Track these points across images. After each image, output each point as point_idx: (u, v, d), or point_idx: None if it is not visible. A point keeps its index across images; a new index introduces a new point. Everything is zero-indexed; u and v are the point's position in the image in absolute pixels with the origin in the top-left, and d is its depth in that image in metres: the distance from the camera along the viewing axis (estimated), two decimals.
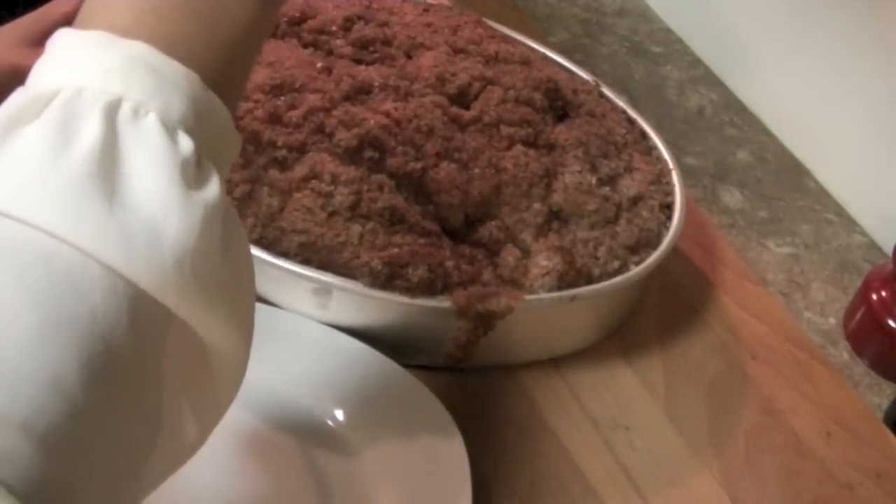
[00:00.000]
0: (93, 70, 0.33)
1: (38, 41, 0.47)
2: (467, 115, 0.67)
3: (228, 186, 0.57)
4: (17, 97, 0.33)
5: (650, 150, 0.76)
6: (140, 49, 0.33)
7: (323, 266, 0.59)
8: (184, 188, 0.32)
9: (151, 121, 0.33)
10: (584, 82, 0.79)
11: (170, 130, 0.33)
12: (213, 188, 0.34)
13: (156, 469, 0.34)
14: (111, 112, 0.32)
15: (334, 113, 0.62)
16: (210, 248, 0.33)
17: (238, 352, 0.36)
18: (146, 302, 0.31)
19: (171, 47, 0.34)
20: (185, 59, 0.34)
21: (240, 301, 0.35)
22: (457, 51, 0.71)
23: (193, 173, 0.33)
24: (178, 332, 0.33)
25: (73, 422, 0.28)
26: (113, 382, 0.30)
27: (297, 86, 0.63)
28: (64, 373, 0.28)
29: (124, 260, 0.30)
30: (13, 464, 0.26)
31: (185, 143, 0.33)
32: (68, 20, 0.42)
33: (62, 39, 0.34)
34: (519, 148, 0.67)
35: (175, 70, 0.34)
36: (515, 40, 0.80)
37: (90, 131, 0.31)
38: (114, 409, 0.30)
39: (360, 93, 0.65)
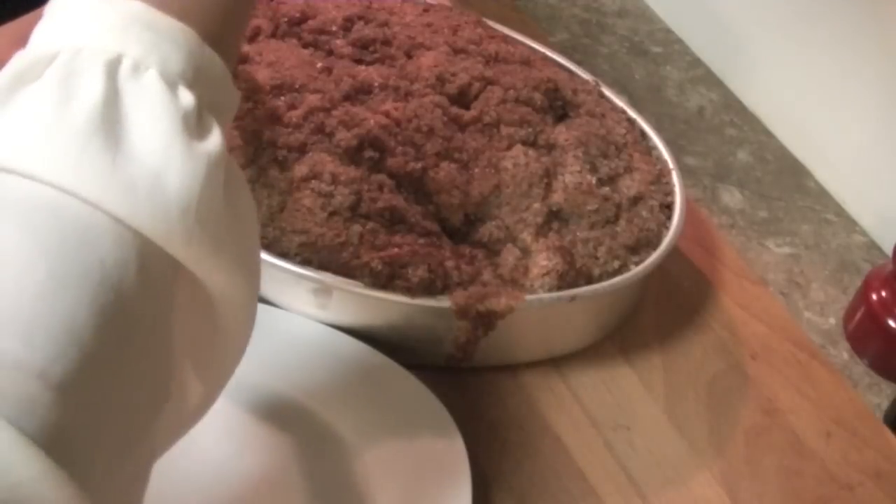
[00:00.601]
0: (91, 30, 0.33)
1: None
2: (467, 115, 0.67)
3: None
4: (18, 59, 0.33)
5: (650, 150, 0.76)
6: (135, 7, 0.34)
7: (323, 266, 0.59)
8: (186, 139, 0.33)
9: (152, 76, 0.33)
10: (584, 82, 0.78)
11: (170, 84, 0.33)
12: (214, 139, 0.34)
13: (164, 430, 0.34)
14: (112, 69, 0.33)
15: (334, 113, 0.62)
16: (213, 197, 0.33)
17: (245, 302, 0.36)
18: (154, 252, 0.32)
19: (165, 5, 0.35)
20: (180, 17, 0.35)
21: (245, 248, 0.36)
22: (457, 51, 0.71)
23: (195, 125, 0.34)
24: (185, 288, 0.34)
25: (88, 370, 0.28)
26: (124, 331, 0.30)
27: (297, 86, 0.63)
28: (77, 322, 0.28)
29: (130, 209, 0.31)
30: (33, 412, 0.26)
31: (186, 97, 0.34)
32: None
33: (59, 2, 0.35)
34: (519, 148, 0.67)
35: (171, 26, 0.34)
36: (515, 40, 0.80)
37: (92, 88, 0.32)
38: (126, 359, 0.30)
39: (360, 93, 0.65)
